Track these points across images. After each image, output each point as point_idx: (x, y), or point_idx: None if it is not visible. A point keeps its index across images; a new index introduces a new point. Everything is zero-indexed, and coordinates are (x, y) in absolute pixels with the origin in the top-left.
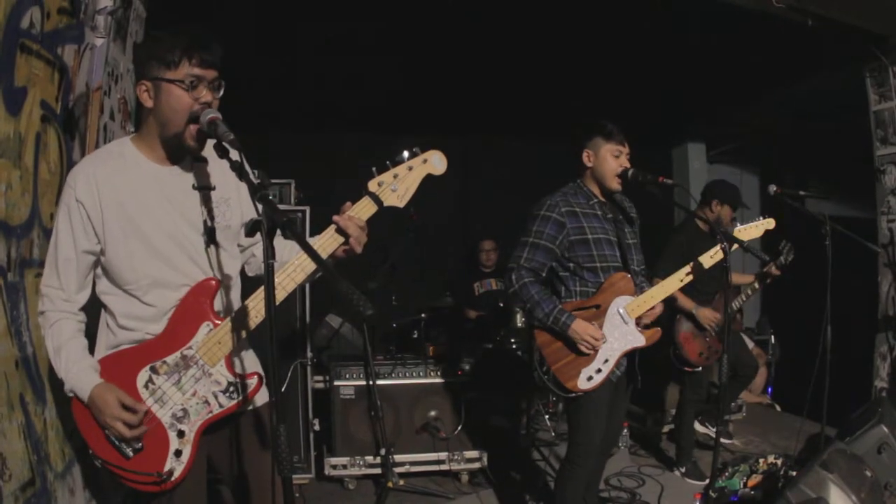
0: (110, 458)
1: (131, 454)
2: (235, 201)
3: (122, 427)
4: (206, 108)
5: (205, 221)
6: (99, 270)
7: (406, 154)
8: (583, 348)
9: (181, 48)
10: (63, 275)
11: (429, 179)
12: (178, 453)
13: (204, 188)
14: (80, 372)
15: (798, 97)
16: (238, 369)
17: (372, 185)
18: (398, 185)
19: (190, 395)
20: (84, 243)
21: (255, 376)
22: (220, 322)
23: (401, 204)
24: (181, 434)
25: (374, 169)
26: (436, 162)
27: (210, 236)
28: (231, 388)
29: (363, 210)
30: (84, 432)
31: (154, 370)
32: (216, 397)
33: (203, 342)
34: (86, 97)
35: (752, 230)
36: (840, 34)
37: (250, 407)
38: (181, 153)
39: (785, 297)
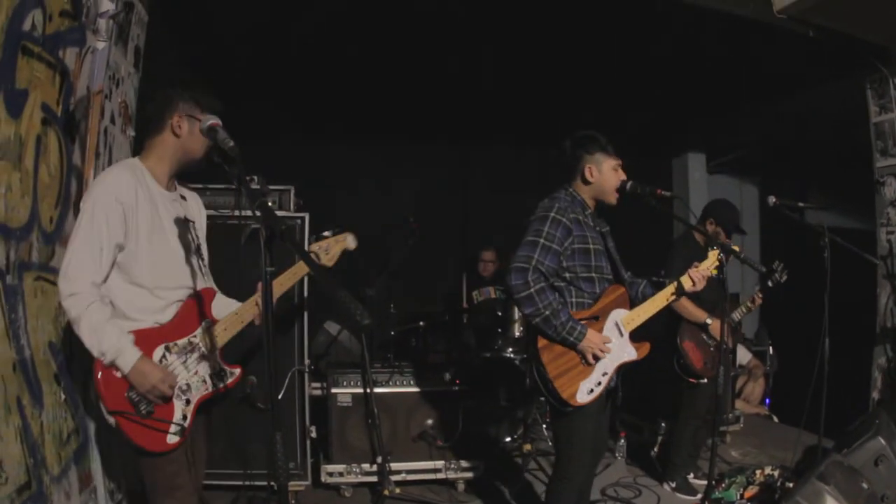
0: (130, 409)
1: (145, 413)
2: (201, 233)
3: (167, 388)
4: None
5: (198, 244)
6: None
7: (329, 232)
8: (590, 358)
9: (214, 109)
10: (98, 262)
11: (428, 184)
12: (183, 417)
13: (189, 220)
14: (124, 346)
15: (799, 108)
16: (228, 360)
17: (314, 248)
18: (330, 250)
19: (193, 373)
20: (118, 237)
21: (239, 368)
22: (216, 321)
23: (329, 264)
24: (188, 402)
25: (314, 237)
26: (350, 241)
27: (199, 255)
28: (222, 374)
29: (298, 270)
30: (104, 394)
31: (168, 349)
32: (211, 378)
33: (204, 333)
34: (87, 100)
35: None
36: (841, 45)
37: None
38: (178, 177)
39: (783, 307)
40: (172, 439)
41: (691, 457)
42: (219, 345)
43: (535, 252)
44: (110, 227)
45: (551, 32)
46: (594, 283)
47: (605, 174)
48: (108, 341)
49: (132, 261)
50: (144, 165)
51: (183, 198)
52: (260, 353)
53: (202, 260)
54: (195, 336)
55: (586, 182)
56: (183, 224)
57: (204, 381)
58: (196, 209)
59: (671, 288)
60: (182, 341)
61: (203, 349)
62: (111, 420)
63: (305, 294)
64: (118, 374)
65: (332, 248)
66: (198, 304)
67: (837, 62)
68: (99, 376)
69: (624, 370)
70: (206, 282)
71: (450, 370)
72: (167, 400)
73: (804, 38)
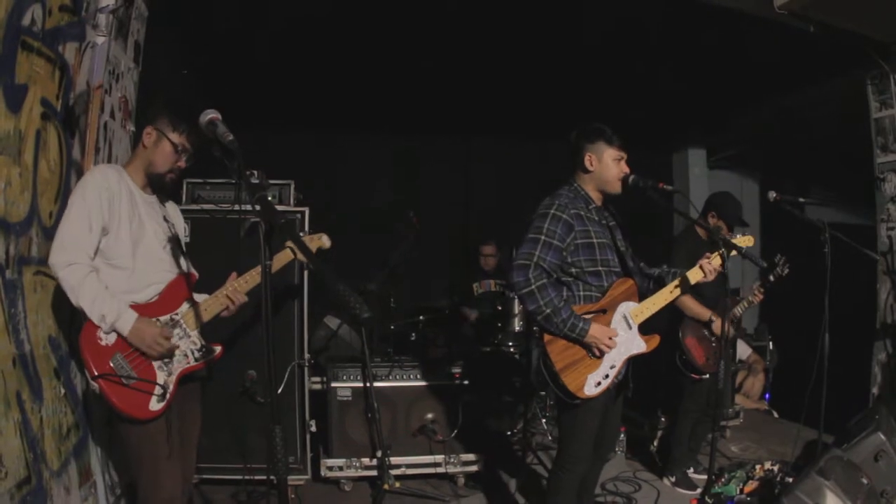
0: (114, 373)
1: (127, 378)
2: (179, 232)
3: (165, 341)
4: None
5: (176, 237)
6: None
7: (304, 232)
8: (597, 352)
9: (188, 126)
10: (89, 238)
11: (432, 178)
12: (165, 385)
13: (167, 220)
14: (123, 309)
15: (799, 104)
16: (208, 338)
17: (288, 243)
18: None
19: (175, 347)
20: (105, 220)
21: (220, 346)
22: (197, 302)
23: (304, 259)
24: (170, 374)
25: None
26: (325, 240)
27: (178, 244)
28: (203, 349)
29: (283, 257)
30: (89, 360)
31: None
32: (192, 353)
33: (186, 312)
34: (86, 95)
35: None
36: (841, 41)
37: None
38: (155, 187)
39: (783, 303)
40: (155, 406)
41: (691, 451)
42: (199, 323)
43: (537, 249)
44: (99, 209)
45: (555, 26)
46: (601, 277)
47: (604, 163)
48: (109, 306)
49: (113, 245)
50: (126, 170)
51: (161, 203)
52: (245, 338)
53: (181, 249)
54: (177, 314)
55: (586, 171)
56: (161, 219)
57: (186, 356)
58: (173, 212)
59: (677, 280)
60: (164, 317)
61: (185, 326)
62: (95, 386)
63: (306, 288)
64: (103, 343)
65: (309, 243)
66: (181, 285)
67: (838, 58)
68: (84, 343)
69: (630, 363)
70: (186, 268)
71: (451, 364)
72: (166, 357)
73: (805, 34)
